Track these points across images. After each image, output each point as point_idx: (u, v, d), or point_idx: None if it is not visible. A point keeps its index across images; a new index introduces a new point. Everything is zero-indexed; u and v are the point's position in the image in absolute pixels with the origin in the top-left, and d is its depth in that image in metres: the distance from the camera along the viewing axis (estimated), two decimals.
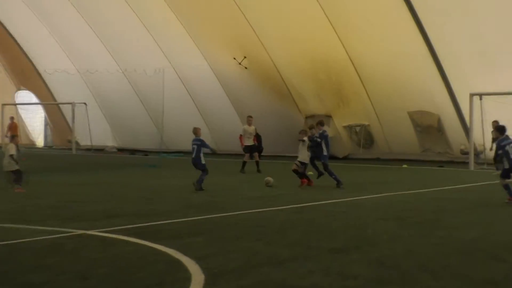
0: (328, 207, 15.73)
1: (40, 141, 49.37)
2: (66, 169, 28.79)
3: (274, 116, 32.63)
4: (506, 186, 15.84)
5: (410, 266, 9.22)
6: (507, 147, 15.52)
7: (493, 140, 23.55)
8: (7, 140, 41.52)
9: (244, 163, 25.23)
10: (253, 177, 23.50)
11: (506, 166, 15.68)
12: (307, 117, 32.92)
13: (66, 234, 12.01)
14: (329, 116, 32.58)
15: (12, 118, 42.21)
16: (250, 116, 26.39)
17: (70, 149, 41.64)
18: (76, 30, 39.20)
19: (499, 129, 16.44)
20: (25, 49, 43.96)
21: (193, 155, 19.32)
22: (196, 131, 19.85)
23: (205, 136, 37.39)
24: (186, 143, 38.03)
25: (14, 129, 41.34)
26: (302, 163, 20.21)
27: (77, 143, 42.47)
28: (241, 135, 26.03)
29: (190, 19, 33.70)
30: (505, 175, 15.79)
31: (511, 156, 15.42)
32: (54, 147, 47.52)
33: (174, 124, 37.71)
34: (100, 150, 41.84)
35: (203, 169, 19.30)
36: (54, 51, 41.71)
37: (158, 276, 8.70)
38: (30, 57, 44.13)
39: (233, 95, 35.18)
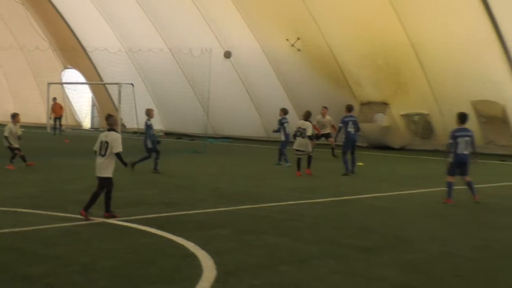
0: (370, 202, 15.41)
1: (86, 123, 49.63)
2: None
3: (327, 102, 32.07)
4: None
5: (443, 270, 8.97)
6: (459, 139, 14.92)
7: None
8: (51, 121, 42.21)
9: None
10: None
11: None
12: (362, 104, 32.40)
13: (85, 222, 11.99)
14: (386, 104, 32.00)
15: (54, 99, 42.46)
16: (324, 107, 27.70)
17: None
18: (124, 8, 39.23)
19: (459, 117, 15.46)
20: (72, 26, 44.22)
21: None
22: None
23: (254, 121, 37.62)
24: (234, 127, 38.37)
25: (58, 110, 41.81)
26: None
27: (123, 125, 42.55)
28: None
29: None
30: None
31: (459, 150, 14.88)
32: (100, 129, 47.74)
33: (223, 108, 37.63)
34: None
35: None
36: (102, 29, 41.77)
37: (167, 272, 8.58)
38: (77, 35, 44.42)
39: (285, 78, 34.83)
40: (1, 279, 8.17)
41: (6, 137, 20.84)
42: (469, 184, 15.05)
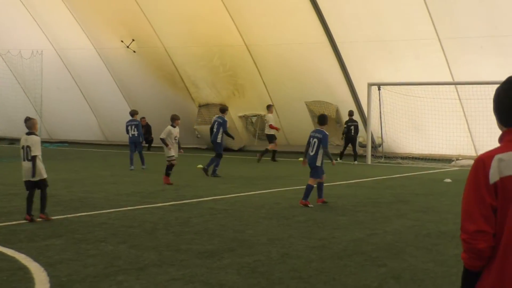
0: (210, 204, 15.29)
1: None
2: None
3: (165, 105, 31.94)
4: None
5: (283, 272, 8.97)
6: (310, 139, 15.13)
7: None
8: None
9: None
10: (139, 170, 22.93)
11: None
12: (200, 106, 32.48)
13: None
14: (224, 106, 32.19)
15: None
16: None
17: None
18: None
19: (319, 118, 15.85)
20: None
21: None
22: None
23: (92, 124, 36.76)
24: (71, 132, 37.34)
25: None
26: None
27: None
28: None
29: None
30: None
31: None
32: None
33: (57, 112, 36.59)
34: None
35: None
36: None
37: None
38: None
39: (122, 80, 34.32)
40: None
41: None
42: (306, 186, 15.12)
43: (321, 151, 14.93)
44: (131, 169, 23.10)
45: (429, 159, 26.80)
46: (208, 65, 31.23)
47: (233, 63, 30.63)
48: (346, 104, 28.90)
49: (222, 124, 21.86)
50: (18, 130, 38.56)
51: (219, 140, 21.77)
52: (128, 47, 32.36)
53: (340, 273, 8.97)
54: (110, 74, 34.35)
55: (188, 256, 9.85)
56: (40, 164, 12.67)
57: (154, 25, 31.11)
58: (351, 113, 27.36)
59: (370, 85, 26.99)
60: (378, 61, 27.21)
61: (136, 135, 24.01)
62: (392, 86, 26.93)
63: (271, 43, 28.97)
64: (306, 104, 29.54)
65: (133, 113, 24.70)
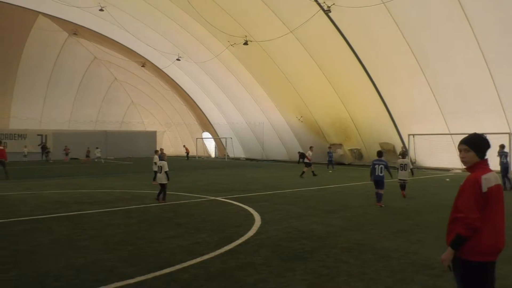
0: (335, 189, 14.77)
1: (212, 155, 49.54)
2: (219, 167, 28.84)
3: (315, 144, 31.53)
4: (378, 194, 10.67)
5: (363, 221, 8.59)
6: (376, 166, 10.73)
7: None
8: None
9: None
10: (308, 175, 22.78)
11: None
12: (332, 145, 31.66)
13: (206, 198, 11.91)
14: (341, 144, 31.20)
15: (184, 146, 42.08)
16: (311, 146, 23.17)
17: (224, 158, 41.76)
18: (223, 100, 38.49)
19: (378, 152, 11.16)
20: (205, 112, 44.41)
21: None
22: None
23: (282, 151, 36.97)
24: (275, 154, 37.79)
25: (187, 150, 41.94)
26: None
27: (227, 155, 42.38)
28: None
29: (275, 96, 33.15)
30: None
31: (376, 173, 10.64)
32: (218, 157, 47.53)
33: (271, 147, 37.24)
34: (237, 159, 41.81)
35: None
36: (216, 113, 41.56)
37: (239, 221, 8.46)
38: (207, 117, 44.59)
39: (296, 133, 34.31)
40: (163, 223, 8.11)
41: (154, 163, 15.91)
42: (379, 194, 10.61)
43: (385, 172, 10.67)
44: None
45: (437, 169, 24.16)
46: (334, 125, 30.42)
47: (345, 125, 29.61)
48: (398, 144, 26.91)
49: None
50: (250, 152, 39.95)
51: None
52: (299, 119, 32.39)
53: (392, 222, 8.38)
54: (292, 132, 34.36)
55: (320, 212, 9.66)
56: (166, 175, 10.80)
57: (309, 107, 30.90)
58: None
59: (409, 135, 24.94)
60: (413, 123, 24.98)
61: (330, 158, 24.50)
62: (421, 135, 24.67)
63: (362, 117, 27.71)
64: (379, 144, 27.86)
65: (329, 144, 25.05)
